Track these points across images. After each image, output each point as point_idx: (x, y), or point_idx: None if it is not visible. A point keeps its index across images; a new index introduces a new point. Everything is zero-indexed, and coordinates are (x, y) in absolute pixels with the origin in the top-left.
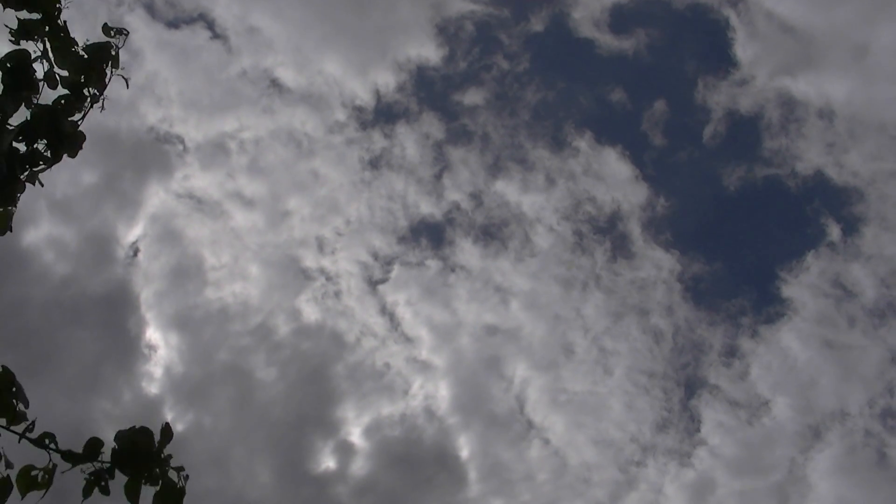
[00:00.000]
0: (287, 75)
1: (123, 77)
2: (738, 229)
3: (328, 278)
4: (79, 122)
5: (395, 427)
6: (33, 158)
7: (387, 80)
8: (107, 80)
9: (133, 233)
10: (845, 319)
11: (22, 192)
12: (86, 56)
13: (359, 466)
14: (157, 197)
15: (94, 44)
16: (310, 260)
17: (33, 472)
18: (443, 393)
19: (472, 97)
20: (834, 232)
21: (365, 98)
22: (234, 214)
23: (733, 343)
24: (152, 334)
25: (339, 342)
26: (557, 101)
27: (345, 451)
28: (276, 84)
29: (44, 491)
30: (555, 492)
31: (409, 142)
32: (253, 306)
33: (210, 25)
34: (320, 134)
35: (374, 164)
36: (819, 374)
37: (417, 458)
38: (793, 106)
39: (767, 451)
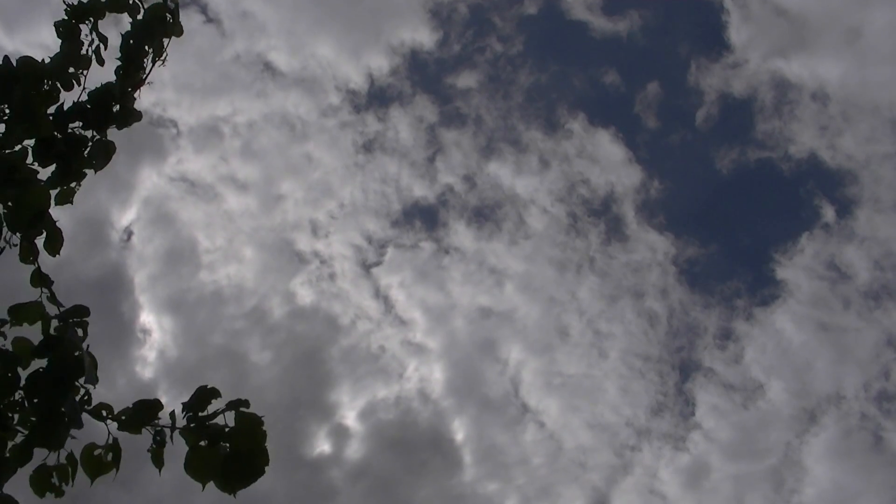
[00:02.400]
0: (280, 59)
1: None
2: (732, 212)
3: (322, 261)
4: (136, 96)
5: (389, 410)
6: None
7: (380, 64)
8: (165, 47)
9: (126, 216)
10: (840, 301)
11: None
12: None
13: (353, 450)
14: (150, 180)
15: (150, 6)
16: (303, 243)
17: (96, 452)
18: (437, 376)
19: (466, 80)
20: (828, 213)
21: (358, 81)
22: (227, 198)
23: (728, 326)
24: (146, 318)
25: (334, 325)
26: (551, 83)
27: (339, 434)
28: (269, 68)
29: (114, 472)
30: (550, 476)
31: (402, 125)
32: (247, 289)
33: (203, 9)
34: (314, 117)
35: (368, 147)
36: (814, 357)
37: (412, 442)
38: (786, 88)
39: (762, 434)
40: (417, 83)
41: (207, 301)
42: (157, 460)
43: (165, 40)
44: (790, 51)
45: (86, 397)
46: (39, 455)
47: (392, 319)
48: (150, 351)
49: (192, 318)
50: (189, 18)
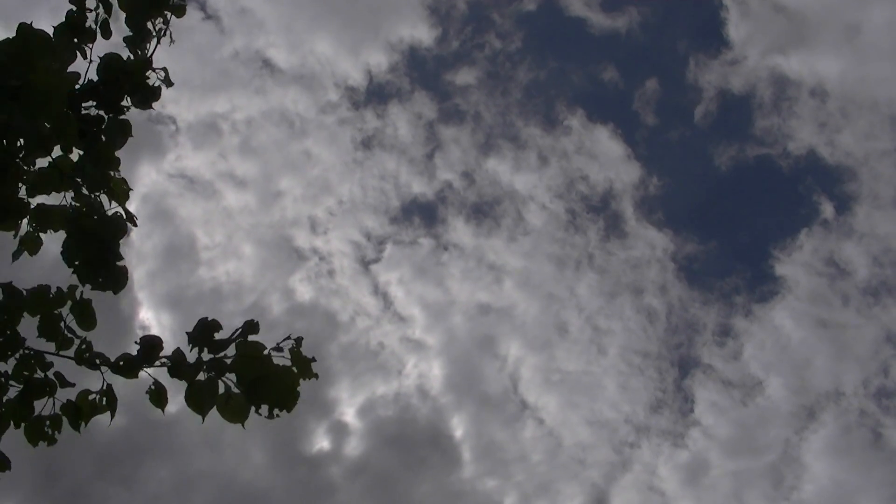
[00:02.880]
0: (279, 56)
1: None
2: (731, 208)
3: (321, 258)
4: (150, 62)
5: (388, 407)
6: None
7: (379, 61)
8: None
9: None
10: (839, 298)
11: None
12: None
13: (352, 447)
14: (149, 177)
15: None
16: (302, 240)
17: (91, 396)
18: (436, 372)
19: (465, 77)
20: (827, 210)
21: (357, 78)
22: (226, 194)
23: (727, 322)
24: (145, 314)
25: (333, 322)
26: (549, 79)
27: (339, 431)
28: (268, 64)
29: (109, 414)
30: (549, 472)
31: (401, 122)
32: (246, 286)
33: (202, 6)
34: (312, 114)
35: (367, 143)
36: (813, 354)
37: (411, 439)
38: (785, 85)
39: (761, 431)
40: (416, 80)
41: (206, 297)
42: (157, 399)
43: (168, 14)
44: (789, 47)
45: (83, 346)
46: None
47: (391, 316)
48: None
49: (191, 315)
50: (188, 15)
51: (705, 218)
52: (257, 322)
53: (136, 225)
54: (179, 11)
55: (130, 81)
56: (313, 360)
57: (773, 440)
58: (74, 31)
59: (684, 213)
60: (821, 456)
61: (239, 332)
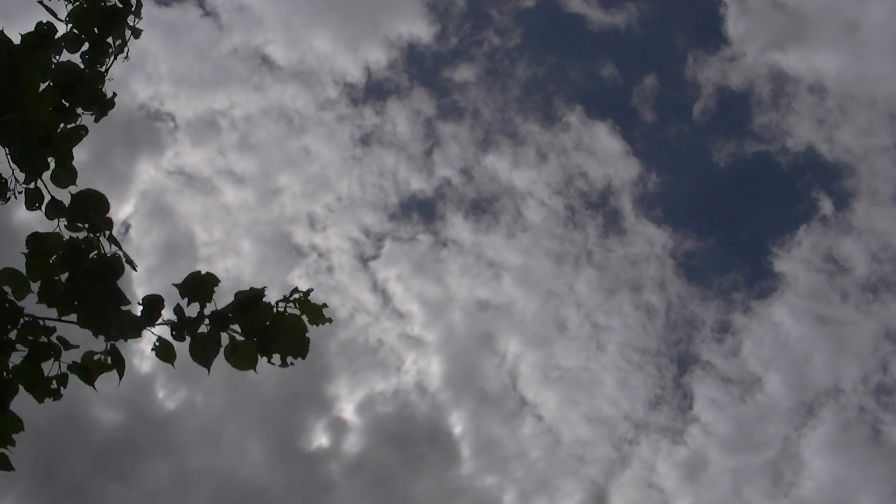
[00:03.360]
0: (278, 52)
1: (134, 32)
2: (730, 205)
3: (320, 254)
4: (105, 75)
5: (387, 403)
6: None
7: (378, 57)
8: (127, 32)
9: (124, 210)
10: (838, 294)
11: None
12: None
13: (351, 443)
14: (147, 174)
15: None
16: (301, 236)
17: (96, 357)
18: (435, 369)
19: (463, 73)
20: (826, 206)
21: (356, 75)
22: (225, 191)
23: (726, 319)
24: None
25: (332, 318)
26: (548, 76)
27: (337, 428)
28: (266, 61)
29: (115, 373)
30: (548, 469)
31: (400, 118)
32: (245, 282)
33: (201, 3)
34: (311, 111)
35: (365, 140)
36: (812, 350)
37: (410, 435)
38: (784, 82)
39: (760, 428)
40: (415, 76)
41: None
42: (164, 354)
43: (128, 32)
44: (788, 44)
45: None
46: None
47: (390, 312)
48: (147, 345)
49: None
50: (186, 12)
51: (704, 214)
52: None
53: (135, 269)
54: (137, 33)
55: (86, 92)
56: (325, 305)
57: (772, 437)
58: (42, 41)
59: (683, 210)
60: (820, 452)
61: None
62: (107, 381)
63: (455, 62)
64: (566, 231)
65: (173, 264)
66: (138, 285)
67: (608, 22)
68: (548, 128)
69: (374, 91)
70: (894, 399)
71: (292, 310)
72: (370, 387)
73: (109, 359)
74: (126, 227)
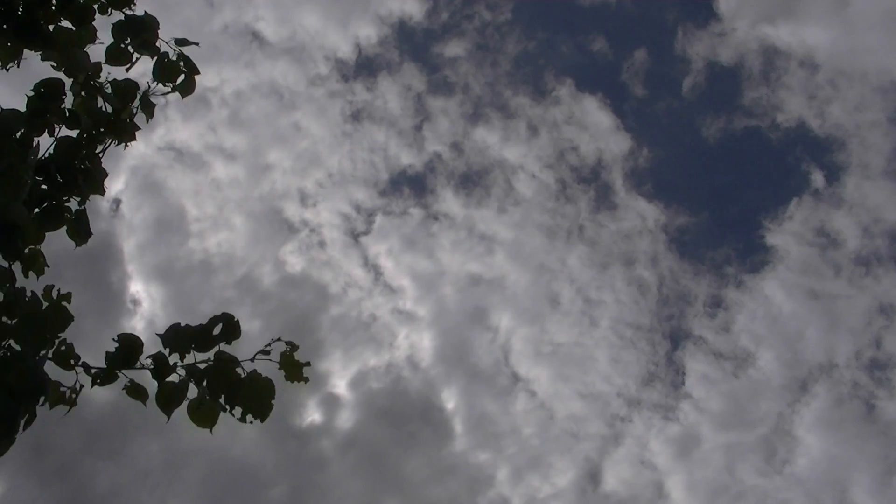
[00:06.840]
0: (268, 29)
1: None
2: (721, 179)
3: (311, 230)
4: (100, 156)
5: (380, 379)
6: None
7: (368, 33)
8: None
9: (115, 186)
10: (830, 268)
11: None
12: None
13: (344, 419)
14: (138, 150)
15: (119, 82)
16: (292, 212)
17: (62, 389)
18: (427, 344)
19: (454, 48)
20: (817, 180)
21: (346, 51)
22: (215, 167)
23: (718, 294)
24: (136, 287)
25: (324, 294)
26: (538, 50)
27: (330, 403)
28: (257, 37)
29: (68, 408)
30: (542, 446)
31: (390, 94)
32: (236, 258)
33: None
34: (302, 87)
35: (356, 116)
36: (805, 325)
37: (402, 412)
38: (774, 56)
39: (753, 404)
40: (405, 52)
41: (196, 270)
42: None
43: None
44: (778, 18)
45: (63, 348)
46: None
47: (382, 287)
48: (140, 321)
49: (181, 287)
50: None
51: (695, 189)
52: (237, 321)
53: (72, 319)
54: (148, 109)
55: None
56: (307, 364)
57: (764, 413)
58: (48, 104)
59: (674, 185)
60: (813, 428)
61: (220, 331)
62: (97, 359)
63: (445, 37)
64: (557, 205)
65: (165, 240)
66: (130, 261)
67: None
68: (538, 102)
69: (365, 67)
70: (888, 374)
71: (269, 362)
72: (363, 362)
73: (75, 396)
74: (117, 203)
